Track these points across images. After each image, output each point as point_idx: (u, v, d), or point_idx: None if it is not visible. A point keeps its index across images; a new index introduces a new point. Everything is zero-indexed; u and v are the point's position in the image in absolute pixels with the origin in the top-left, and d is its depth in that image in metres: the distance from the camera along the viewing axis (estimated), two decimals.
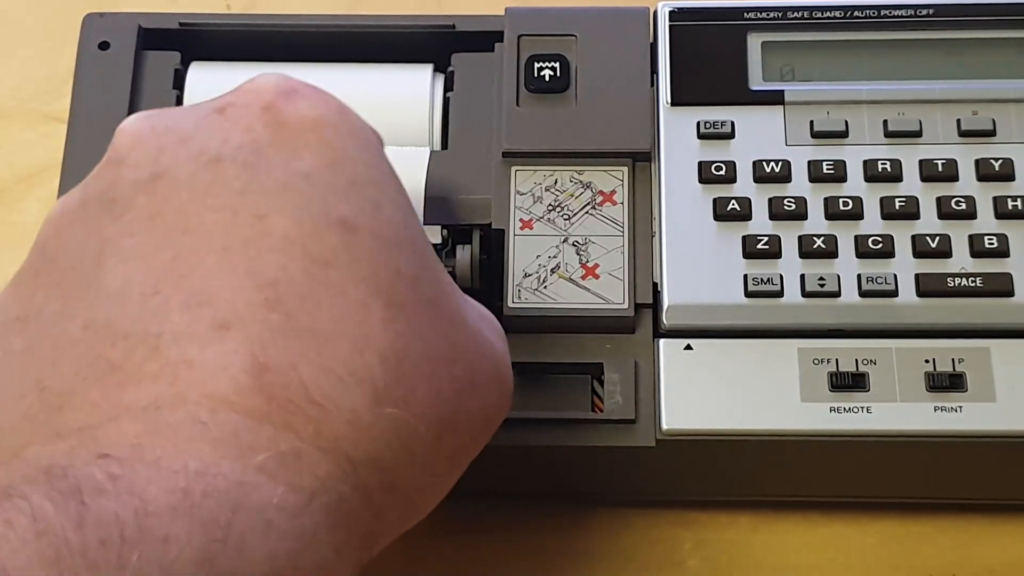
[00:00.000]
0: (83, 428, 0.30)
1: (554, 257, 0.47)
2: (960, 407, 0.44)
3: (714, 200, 0.47)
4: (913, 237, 0.46)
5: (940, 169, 0.47)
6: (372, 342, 0.33)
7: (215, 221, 0.33)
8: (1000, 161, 0.47)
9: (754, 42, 0.50)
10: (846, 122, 0.48)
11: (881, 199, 0.47)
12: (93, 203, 0.35)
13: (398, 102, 0.51)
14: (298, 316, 0.32)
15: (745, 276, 0.46)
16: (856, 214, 0.47)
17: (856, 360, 0.45)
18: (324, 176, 0.34)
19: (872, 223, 0.46)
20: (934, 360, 0.45)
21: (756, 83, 0.49)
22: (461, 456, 0.37)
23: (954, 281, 0.45)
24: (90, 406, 0.31)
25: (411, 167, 0.47)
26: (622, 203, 0.48)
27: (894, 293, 0.45)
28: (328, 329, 0.32)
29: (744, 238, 0.46)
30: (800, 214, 0.47)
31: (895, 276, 0.45)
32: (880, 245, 0.46)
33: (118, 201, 0.34)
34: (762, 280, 0.46)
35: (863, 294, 0.45)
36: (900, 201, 0.47)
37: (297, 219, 0.33)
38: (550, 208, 0.48)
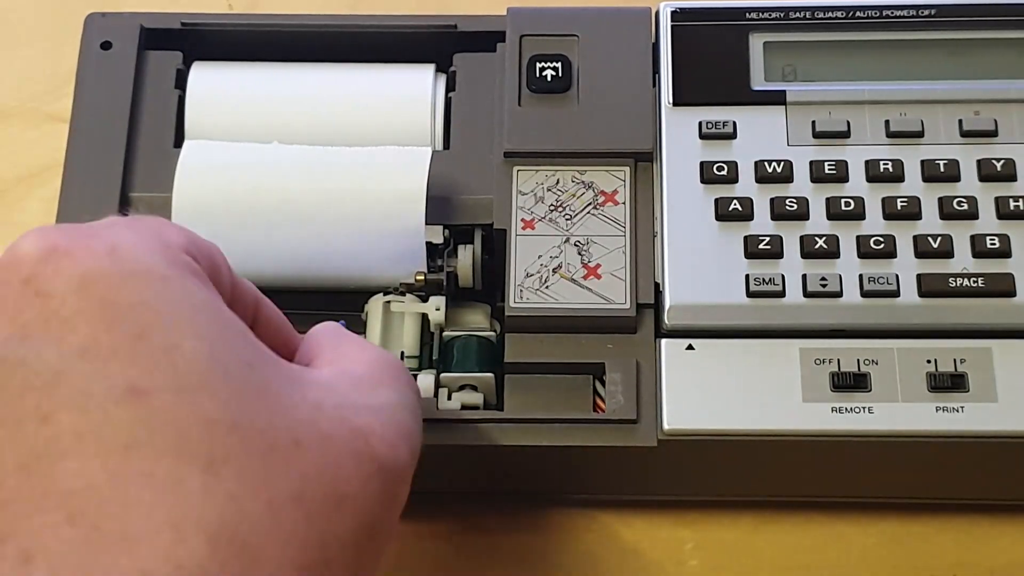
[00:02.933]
0: None
1: (556, 257, 0.47)
2: (962, 407, 0.44)
3: (716, 200, 0.47)
4: (915, 237, 0.46)
5: (942, 169, 0.47)
6: (194, 523, 0.29)
7: (1, 439, 0.30)
8: (1002, 161, 0.47)
9: (756, 42, 0.50)
10: (848, 122, 0.48)
11: (883, 199, 0.47)
12: None
13: (400, 102, 0.51)
14: (103, 524, 0.29)
15: (747, 276, 0.46)
16: (858, 214, 0.47)
17: (858, 360, 0.45)
18: (102, 343, 0.31)
19: (874, 223, 0.46)
20: (936, 360, 0.45)
21: (758, 83, 0.49)
22: (364, 561, 0.33)
23: (956, 281, 0.45)
24: None
25: (413, 167, 0.47)
26: (624, 203, 0.48)
27: (896, 293, 0.45)
28: (140, 527, 0.29)
29: (746, 238, 0.46)
30: (802, 214, 0.47)
31: (897, 276, 0.45)
32: (882, 245, 0.46)
33: None
34: (764, 280, 0.46)
35: (865, 294, 0.45)
36: (902, 201, 0.47)
37: (81, 407, 0.30)
38: (552, 208, 0.48)
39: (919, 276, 0.45)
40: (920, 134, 0.48)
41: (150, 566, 0.29)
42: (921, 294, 0.45)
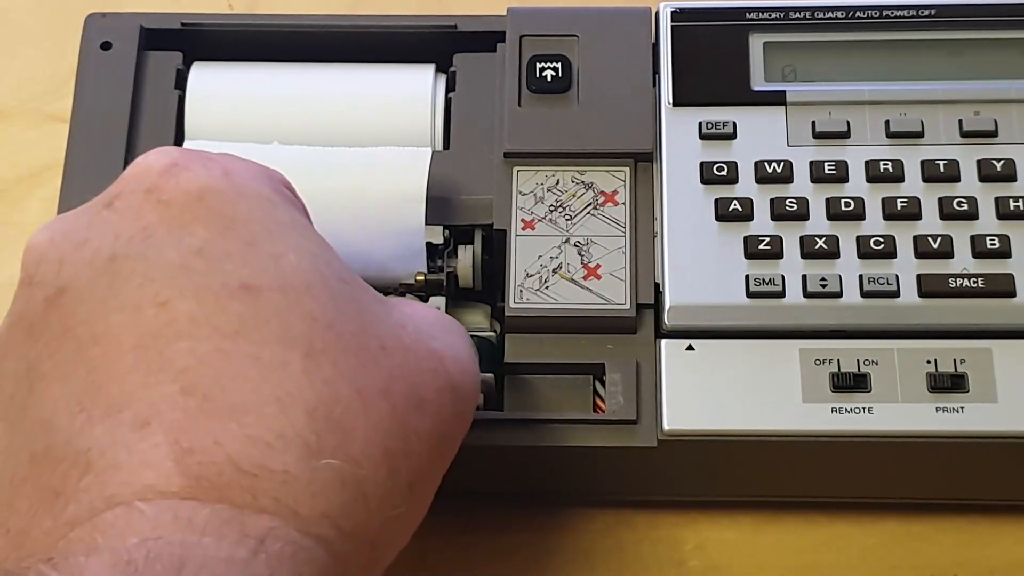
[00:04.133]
0: (37, 555, 0.31)
1: (556, 257, 0.47)
2: (962, 408, 0.44)
3: (716, 200, 0.47)
4: (915, 238, 0.46)
5: (942, 170, 0.47)
6: (296, 399, 0.33)
7: (120, 322, 0.33)
8: (1002, 162, 0.47)
9: (756, 42, 0.50)
10: (848, 122, 0.48)
11: (883, 200, 0.47)
12: (16, 329, 0.35)
13: (400, 102, 0.51)
14: (215, 395, 0.32)
15: (747, 276, 0.46)
16: (858, 215, 0.47)
17: (858, 361, 0.45)
18: (218, 245, 0.34)
19: (874, 224, 0.46)
20: (936, 361, 0.45)
21: (758, 83, 0.49)
22: (424, 479, 0.37)
23: (956, 282, 0.45)
24: (44, 536, 0.32)
25: (413, 167, 0.47)
26: (624, 203, 0.48)
27: (896, 294, 0.45)
28: (248, 399, 0.32)
29: (746, 238, 0.46)
30: (802, 215, 0.47)
31: (897, 277, 0.45)
32: (882, 246, 0.46)
33: (35, 324, 0.35)
34: (764, 281, 0.46)
35: (865, 295, 0.45)
36: (902, 202, 0.47)
37: (198, 297, 0.34)
38: (552, 208, 0.48)
39: (919, 276, 0.46)
40: (920, 134, 0.48)
41: (257, 432, 0.32)
42: (921, 294, 0.45)
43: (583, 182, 0.48)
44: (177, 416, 0.32)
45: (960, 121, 0.48)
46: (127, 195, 0.36)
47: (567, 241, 0.47)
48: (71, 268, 0.35)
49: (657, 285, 0.46)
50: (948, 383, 0.44)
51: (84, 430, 0.32)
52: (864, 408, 0.44)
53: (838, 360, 0.45)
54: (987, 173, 0.47)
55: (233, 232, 0.35)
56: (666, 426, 0.44)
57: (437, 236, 0.48)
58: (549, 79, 0.50)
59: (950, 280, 0.45)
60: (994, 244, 0.46)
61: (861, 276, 0.46)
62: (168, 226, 0.35)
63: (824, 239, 0.46)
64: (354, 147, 0.48)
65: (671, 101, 0.49)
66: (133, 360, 0.33)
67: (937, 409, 0.44)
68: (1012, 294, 0.45)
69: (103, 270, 0.34)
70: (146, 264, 0.34)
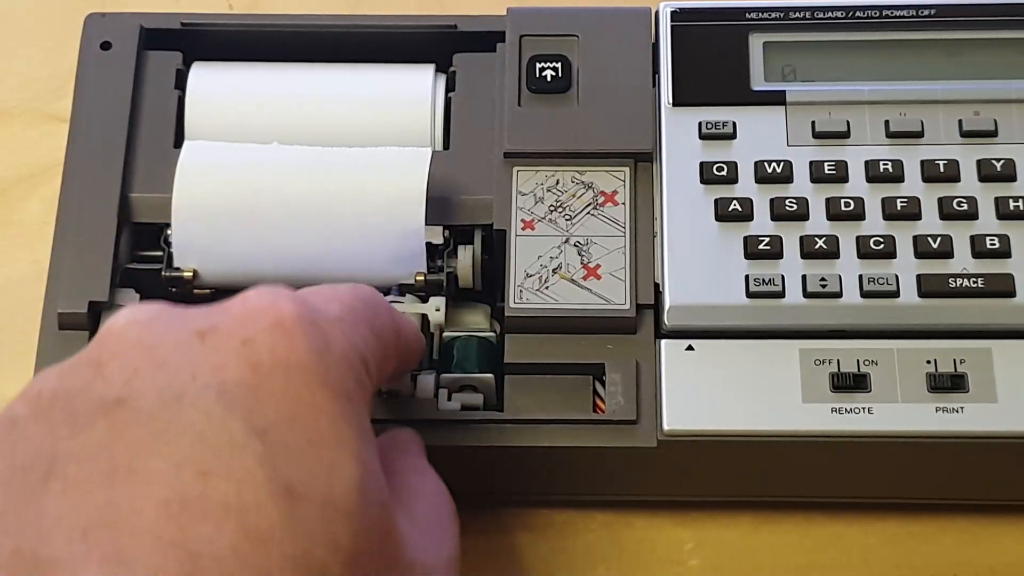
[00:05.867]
0: None
1: (556, 257, 0.47)
2: (961, 408, 0.44)
3: (716, 200, 0.47)
4: (915, 238, 0.46)
5: (942, 170, 0.47)
6: None
7: (159, 471, 0.32)
8: (1002, 162, 0.47)
9: (756, 42, 0.50)
10: (848, 122, 0.48)
11: (883, 200, 0.47)
12: (60, 405, 0.34)
13: (400, 102, 0.51)
14: None
15: (746, 277, 0.46)
16: (858, 215, 0.47)
17: (857, 361, 0.45)
18: (281, 433, 0.33)
19: (874, 224, 0.46)
20: (935, 361, 0.45)
21: (758, 83, 0.49)
22: None
23: (956, 282, 0.45)
24: None
25: (413, 167, 0.47)
26: (624, 203, 0.48)
27: (896, 294, 0.45)
28: None
29: (745, 239, 0.46)
30: (802, 215, 0.47)
31: (896, 277, 0.45)
32: (882, 246, 0.46)
33: (80, 415, 0.33)
34: (763, 281, 0.46)
35: (865, 295, 0.45)
36: (902, 202, 0.47)
37: (240, 484, 0.32)
38: (552, 208, 0.48)
39: (919, 276, 0.46)
40: (920, 134, 0.48)
41: None
42: (921, 294, 0.45)
43: (583, 182, 0.48)
44: None
45: (960, 121, 0.48)
46: (222, 335, 0.34)
47: (567, 241, 0.47)
48: (141, 384, 0.34)
49: (657, 285, 0.46)
50: (948, 383, 0.44)
51: (77, 565, 0.31)
52: (864, 408, 0.44)
53: (838, 360, 0.45)
54: (987, 173, 0.47)
55: (300, 424, 0.34)
56: (666, 426, 0.44)
57: (437, 236, 0.48)
58: (549, 79, 0.50)
59: (950, 280, 0.45)
60: (994, 244, 0.46)
61: (861, 276, 0.46)
62: (245, 391, 0.33)
63: (824, 239, 0.46)
64: (354, 147, 0.48)
65: (671, 101, 0.49)
66: (153, 518, 0.31)
67: (937, 409, 0.44)
68: (1012, 294, 0.45)
69: (168, 405, 0.33)
70: (209, 422, 0.33)
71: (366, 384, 0.37)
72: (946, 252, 0.46)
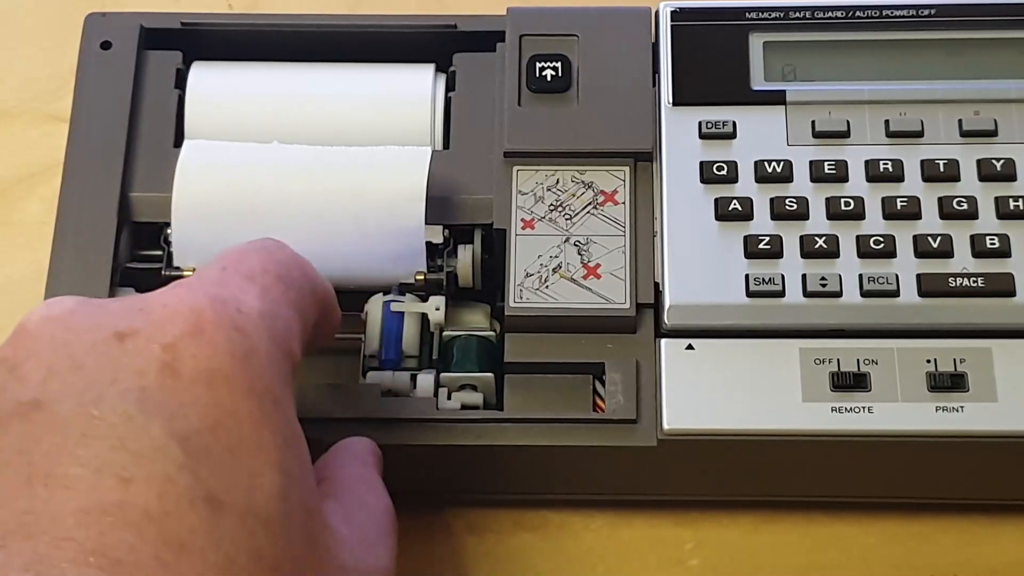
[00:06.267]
0: None
1: (556, 257, 0.47)
2: (961, 407, 0.44)
3: (716, 200, 0.47)
4: (915, 237, 0.46)
5: (942, 169, 0.47)
6: None
7: (78, 477, 0.31)
8: (1002, 161, 0.47)
9: (756, 42, 0.50)
10: (848, 122, 0.48)
11: (883, 199, 0.47)
12: None
13: (400, 102, 0.51)
14: None
15: (747, 276, 0.46)
16: (858, 214, 0.47)
17: (857, 360, 0.45)
18: (203, 441, 0.33)
19: (874, 223, 0.46)
20: (935, 360, 0.45)
21: (758, 83, 0.49)
22: None
23: (956, 281, 0.45)
24: None
25: (413, 167, 0.47)
26: (624, 203, 0.48)
27: (896, 293, 0.45)
28: None
29: (745, 238, 0.46)
30: (802, 214, 0.47)
31: (897, 276, 0.45)
32: (882, 245, 0.46)
33: None
34: (763, 280, 0.46)
35: (865, 294, 0.45)
36: (902, 201, 0.47)
37: (161, 491, 0.31)
38: (552, 208, 0.48)
39: (919, 276, 0.45)
40: (920, 134, 0.48)
41: None
42: (921, 294, 0.45)
43: (583, 182, 0.48)
44: None
45: (960, 121, 0.48)
46: (142, 339, 0.34)
47: (567, 241, 0.47)
48: (58, 387, 0.33)
49: (657, 284, 0.46)
50: (948, 383, 0.44)
51: None
52: (864, 408, 0.44)
53: (838, 360, 0.45)
54: (987, 173, 0.47)
55: (222, 431, 0.33)
56: (666, 426, 0.44)
57: (437, 236, 0.48)
58: (549, 79, 0.50)
59: (950, 280, 0.45)
60: (994, 244, 0.46)
61: (861, 276, 0.46)
62: (164, 398, 0.33)
63: (824, 239, 0.46)
64: (354, 147, 0.48)
65: (671, 101, 0.49)
66: (72, 525, 0.31)
67: (937, 409, 0.44)
68: (1012, 294, 0.45)
69: (85, 410, 0.32)
70: (129, 427, 0.32)
71: (291, 378, 0.36)
72: (946, 252, 0.46)
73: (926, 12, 0.50)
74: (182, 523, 0.31)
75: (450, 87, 0.51)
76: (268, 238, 0.40)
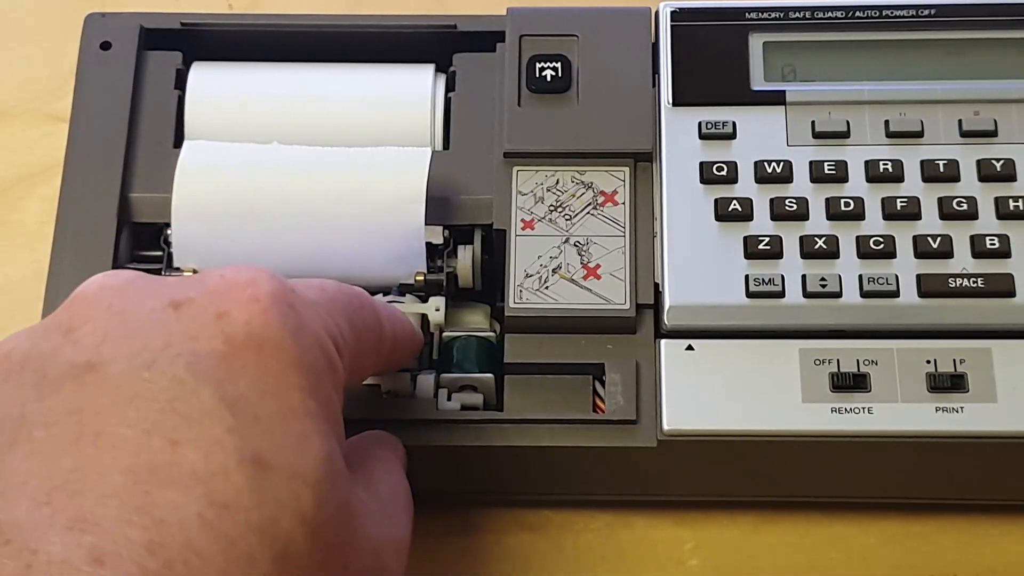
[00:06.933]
0: None
1: (555, 257, 0.47)
2: (961, 408, 0.44)
3: (715, 200, 0.47)
4: (915, 237, 0.46)
5: (941, 169, 0.47)
6: None
7: (127, 438, 0.32)
8: (1001, 161, 0.47)
9: (755, 42, 0.50)
10: (847, 122, 0.48)
11: (882, 199, 0.47)
12: (30, 367, 0.34)
13: (400, 102, 0.51)
14: (175, 565, 0.30)
15: (746, 277, 0.46)
16: (857, 214, 0.47)
17: (857, 361, 0.45)
18: (252, 406, 0.33)
19: (873, 223, 0.46)
20: (935, 361, 0.45)
21: (758, 83, 0.49)
22: None
23: (955, 282, 0.45)
24: None
25: (412, 167, 0.47)
26: (623, 203, 0.48)
27: (895, 294, 0.45)
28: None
29: (745, 238, 0.46)
30: (801, 214, 0.47)
31: (896, 277, 0.45)
32: (881, 246, 0.46)
33: (48, 379, 0.33)
34: (763, 281, 0.46)
35: (864, 295, 0.45)
36: (901, 201, 0.47)
37: (208, 454, 0.32)
38: (552, 208, 0.48)
39: (919, 276, 0.45)
40: (920, 134, 0.48)
41: None
42: (921, 294, 0.45)
43: (583, 182, 0.48)
44: (132, 570, 0.30)
45: (960, 121, 0.48)
46: (197, 307, 0.34)
47: (567, 241, 0.47)
48: (112, 350, 0.33)
49: (657, 285, 0.46)
50: (948, 383, 0.44)
51: (41, 527, 0.30)
52: (864, 408, 0.44)
53: (838, 360, 0.45)
54: (987, 173, 0.47)
55: (272, 397, 0.34)
56: (666, 426, 0.44)
57: (437, 236, 0.48)
58: (549, 79, 0.50)
59: (950, 280, 0.45)
60: (994, 244, 0.46)
61: (861, 276, 0.46)
62: (216, 364, 0.33)
63: (824, 239, 0.46)
64: (354, 147, 0.48)
65: (671, 101, 0.49)
66: (120, 483, 0.31)
67: (937, 409, 0.44)
68: (1012, 294, 0.45)
69: (138, 373, 0.33)
70: (180, 390, 0.33)
71: (337, 368, 0.37)
72: (946, 252, 0.46)
73: (926, 12, 0.50)
74: (228, 484, 0.32)
75: (450, 87, 0.51)
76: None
